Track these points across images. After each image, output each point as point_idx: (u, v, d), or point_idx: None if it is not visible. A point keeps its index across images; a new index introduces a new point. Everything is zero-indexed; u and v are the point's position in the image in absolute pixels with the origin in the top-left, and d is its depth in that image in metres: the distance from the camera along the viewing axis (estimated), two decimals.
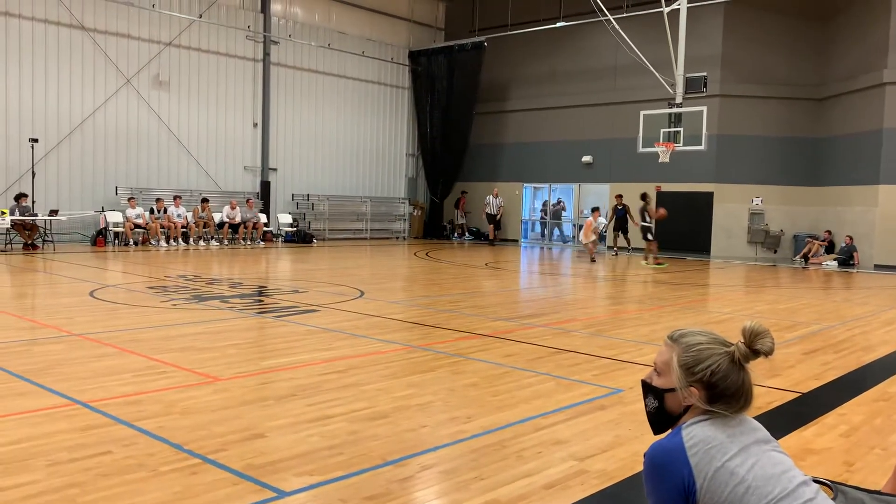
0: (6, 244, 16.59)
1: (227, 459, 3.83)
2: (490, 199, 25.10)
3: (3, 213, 16.32)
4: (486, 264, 17.43)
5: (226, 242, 20.42)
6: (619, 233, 21.25)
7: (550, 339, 7.66)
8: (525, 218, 26.83)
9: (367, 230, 25.54)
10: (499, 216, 25.27)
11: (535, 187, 26.98)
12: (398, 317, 8.87)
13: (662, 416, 1.95)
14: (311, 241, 22.23)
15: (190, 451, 3.93)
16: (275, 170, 23.04)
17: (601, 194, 25.18)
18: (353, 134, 25.15)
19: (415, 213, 27.10)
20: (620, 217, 20.68)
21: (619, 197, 20.77)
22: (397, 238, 26.28)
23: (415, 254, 19.79)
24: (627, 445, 4.30)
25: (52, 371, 5.62)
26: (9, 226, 16.44)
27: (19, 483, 3.43)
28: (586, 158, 24.34)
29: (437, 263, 17.29)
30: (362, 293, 10.91)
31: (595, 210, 19.99)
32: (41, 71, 18.22)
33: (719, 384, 1.84)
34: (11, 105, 17.78)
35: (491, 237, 25.09)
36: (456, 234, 26.93)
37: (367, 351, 6.77)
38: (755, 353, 1.82)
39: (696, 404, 1.92)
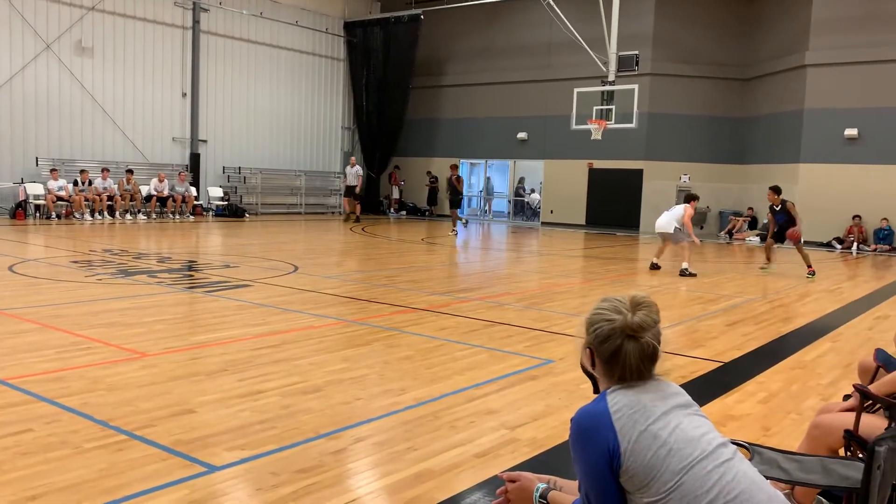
0: None
1: (154, 435, 3.75)
2: (348, 169, 22.45)
3: None
4: (422, 239, 17.44)
5: (153, 216, 19.83)
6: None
7: (484, 312, 7.74)
8: (462, 193, 26.89)
9: (301, 205, 25.17)
10: (358, 188, 22.35)
11: (471, 163, 27.05)
12: (333, 291, 8.81)
13: (593, 378, 2.00)
14: (242, 216, 21.79)
15: (116, 428, 3.83)
16: (205, 141, 22.42)
17: (535, 171, 25.48)
18: (287, 106, 24.65)
19: None
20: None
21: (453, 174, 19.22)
22: (332, 213, 26.01)
23: (350, 229, 19.63)
24: (557, 414, 4.40)
25: None
26: None
27: None
28: (521, 135, 24.53)
29: (373, 238, 17.21)
30: (296, 268, 10.78)
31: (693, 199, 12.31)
32: None
33: (597, 348, 1.90)
34: None
35: (347, 211, 22.60)
36: (391, 210, 26.82)
37: (300, 326, 6.71)
38: (638, 325, 1.85)
39: (585, 365, 1.97)
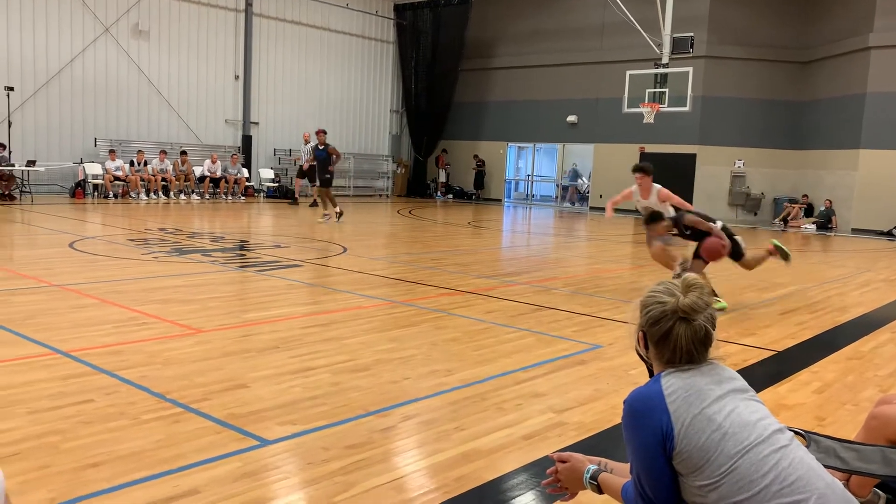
0: None
1: (209, 409, 3.85)
2: (303, 147, 19.94)
3: None
4: (468, 223, 17.44)
5: (206, 197, 20.23)
6: None
7: (531, 296, 7.71)
8: (509, 178, 26.79)
9: (349, 187, 25.38)
10: (305, 166, 19.02)
11: (519, 147, 26.89)
12: (381, 273, 8.88)
13: (647, 361, 1.99)
14: (293, 197, 22.07)
15: (172, 401, 3.95)
16: (256, 123, 22.74)
17: (584, 154, 25.19)
18: (336, 89, 24.81)
19: (398, 171, 26.95)
20: None
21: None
22: (380, 196, 26.17)
23: (398, 211, 19.73)
24: (605, 399, 4.37)
25: (32, 321, 5.58)
26: None
27: (1, 430, 3.43)
28: (571, 118, 24.25)
29: (420, 221, 17.27)
30: (345, 249, 10.89)
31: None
32: (16, 17, 17.73)
33: (649, 330, 1.88)
34: None
35: (298, 194, 20.20)
36: (438, 193, 26.86)
37: (349, 306, 6.79)
38: (689, 307, 1.83)
39: (638, 349, 1.96)
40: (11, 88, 17.06)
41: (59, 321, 5.64)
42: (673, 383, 1.82)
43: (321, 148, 15.42)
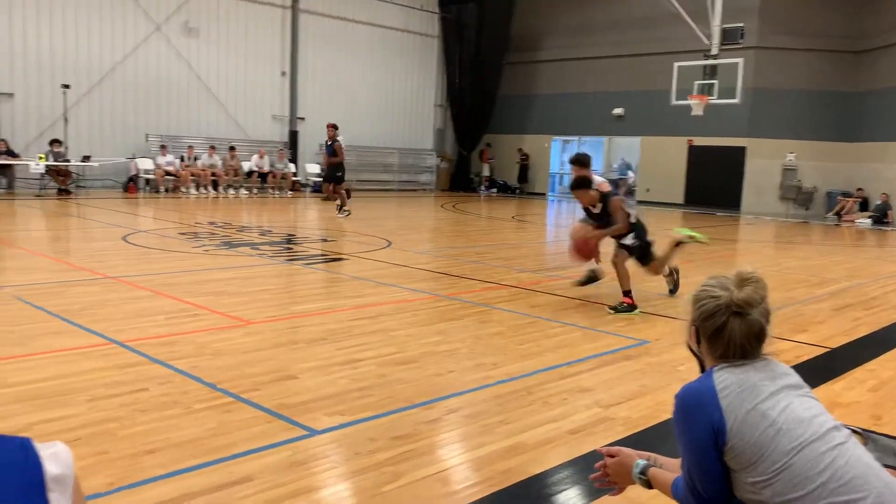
0: (41, 189, 16.85)
1: (259, 399, 3.93)
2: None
3: (41, 158, 16.54)
4: (512, 217, 17.39)
5: (254, 191, 20.55)
6: None
7: (577, 290, 7.66)
8: (553, 171, 26.61)
9: (394, 182, 25.51)
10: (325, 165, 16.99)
11: (564, 140, 26.68)
12: (425, 266, 8.92)
13: (698, 356, 1.97)
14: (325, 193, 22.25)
15: (223, 390, 4.04)
16: (303, 119, 23.00)
17: (630, 148, 24.87)
18: (381, 84, 24.94)
19: (442, 166, 26.98)
20: None
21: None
22: (424, 190, 26.24)
23: (441, 206, 19.78)
24: (652, 395, 4.33)
25: (88, 312, 5.75)
26: (43, 171, 16.68)
27: (62, 416, 3.56)
28: (617, 111, 23.97)
29: (464, 215, 17.28)
30: (389, 243, 10.97)
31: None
32: (72, 18, 18.23)
33: (702, 325, 1.86)
34: (44, 51, 17.86)
35: (326, 193, 17.16)
36: (482, 187, 26.81)
37: (394, 299, 6.84)
38: (745, 301, 1.80)
39: (690, 344, 1.93)
40: (68, 86, 17.55)
41: (114, 312, 5.80)
42: (725, 378, 1.79)
43: (329, 143, 14.96)
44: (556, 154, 26.72)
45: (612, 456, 2.14)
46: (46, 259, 8.41)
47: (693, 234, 7.46)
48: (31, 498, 0.82)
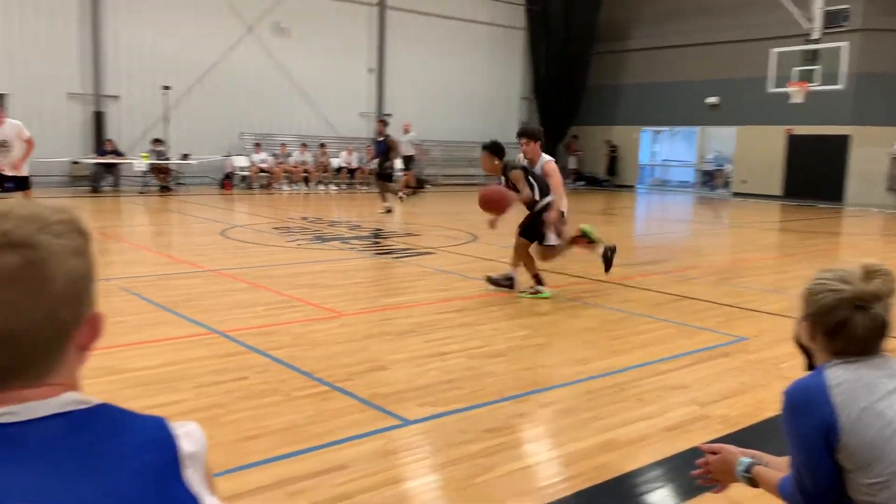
0: (144, 186, 17.74)
1: (354, 388, 4.02)
2: (402, 136, 18.93)
3: (144, 157, 17.43)
4: (601, 210, 17.11)
5: (343, 187, 20.99)
6: None
7: (670, 286, 7.48)
8: (643, 163, 26.02)
9: (479, 176, 25.51)
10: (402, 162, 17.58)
11: (654, 131, 26.04)
12: (509, 260, 8.87)
13: (807, 352, 1.88)
14: (423, 187, 22.48)
15: (319, 379, 4.15)
16: (390, 115, 23.28)
17: (724, 138, 24.03)
18: (466, 78, 24.97)
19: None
20: None
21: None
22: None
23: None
24: (752, 393, 4.18)
25: (191, 303, 6.03)
26: (146, 169, 17.56)
27: (172, 401, 3.74)
28: (711, 100, 23.18)
29: None
30: (475, 237, 10.98)
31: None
32: (171, 22, 19.07)
33: (820, 320, 1.76)
34: (146, 55, 18.76)
35: (405, 187, 17.75)
36: (569, 180, 26.46)
37: (481, 293, 6.85)
38: (872, 295, 1.70)
39: (802, 340, 1.85)
40: (168, 88, 18.38)
41: (215, 303, 6.05)
42: (839, 375, 1.71)
43: (380, 139, 14.62)
44: (647, 145, 26.11)
45: (714, 453, 2.08)
46: (150, 253, 8.85)
47: (587, 229, 7.10)
48: (169, 474, 0.87)
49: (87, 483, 0.82)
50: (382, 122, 14.79)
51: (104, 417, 0.88)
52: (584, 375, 4.42)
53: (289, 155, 20.23)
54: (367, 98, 22.98)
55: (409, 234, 11.15)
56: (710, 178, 25.15)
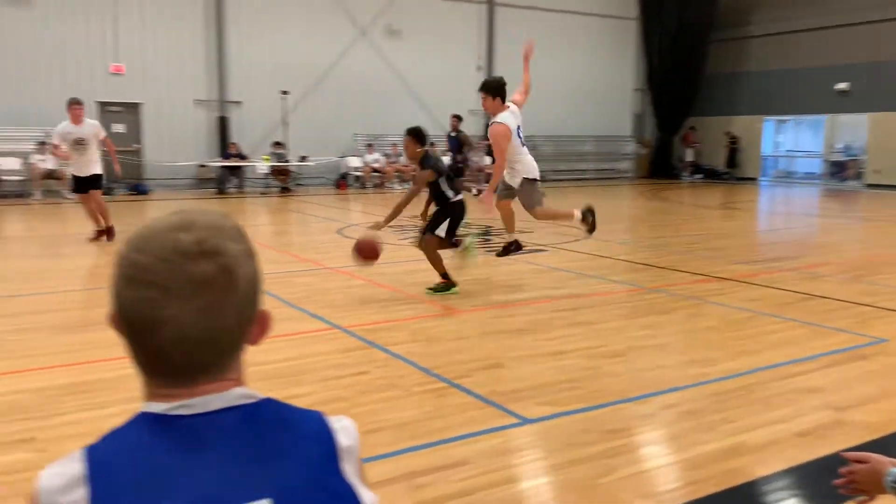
0: (265, 188, 18.55)
1: (471, 385, 4.04)
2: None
3: (266, 159, 18.23)
4: (721, 204, 16.44)
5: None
6: None
7: (798, 283, 7.08)
8: (766, 154, 24.78)
9: (590, 170, 25.10)
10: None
11: (778, 120, 24.74)
12: (627, 258, 8.70)
13: None
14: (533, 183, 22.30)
15: (437, 375, 4.20)
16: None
17: (857, 126, 22.52)
18: (576, 71, 24.59)
19: (641, 152, 26.11)
20: None
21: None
22: (622, 178, 25.55)
23: (641, 194, 19.16)
24: (894, 398, 3.90)
25: (312, 299, 6.24)
26: (268, 171, 18.36)
27: (297, 394, 3.89)
28: (841, 86, 21.77)
29: (667, 203, 16.62)
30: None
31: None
32: (289, 29, 19.83)
33: None
34: (266, 62, 19.59)
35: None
36: (685, 173, 25.58)
37: (597, 291, 6.74)
38: None
39: None
40: (287, 93, 19.13)
41: (335, 300, 6.25)
42: None
43: (453, 135, 14.05)
44: (769, 136, 24.84)
45: (860, 462, 1.95)
46: (273, 251, 9.24)
47: (469, 246, 6.85)
48: (329, 467, 0.91)
49: (256, 473, 0.87)
50: (456, 118, 14.53)
51: (270, 411, 0.93)
52: (709, 377, 4.26)
53: (400, 154, 20.59)
54: (475, 96, 22.98)
55: (520, 232, 11.09)
56: (840, 169, 23.61)
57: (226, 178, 18.68)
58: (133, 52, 17.84)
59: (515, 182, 6.60)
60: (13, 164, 15.78)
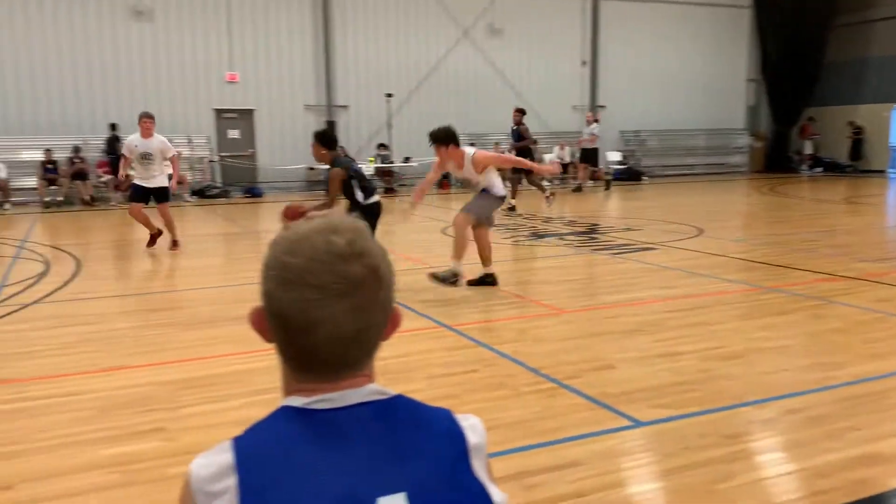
0: None
1: (581, 386, 3.98)
2: (585, 129, 18.81)
3: (371, 161, 18.66)
4: (844, 199, 15.50)
5: (556, 182, 20.92)
6: None
7: None
8: (894, 144, 23.15)
9: (700, 165, 24.23)
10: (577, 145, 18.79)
11: None
12: (742, 256, 8.33)
13: None
14: (640, 179, 21.79)
15: (546, 376, 4.16)
16: (603, 107, 22.86)
17: None
18: (684, 64, 23.78)
19: (755, 145, 24.96)
20: None
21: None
22: (735, 172, 24.51)
23: (756, 189, 18.32)
24: None
25: (418, 297, 6.32)
26: (373, 173, 18.77)
27: (408, 391, 3.89)
28: None
29: (784, 199, 15.82)
30: (700, 231, 10.44)
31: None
32: (393, 34, 20.20)
33: None
34: (371, 66, 20.05)
35: (581, 179, 18.65)
36: (804, 166, 24.26)
37: (710, 290, 6.49)
38: None
39: None
40: (391, 95, 19.49)
41: (441, 298, 6.29)
42: None
43: (515, 129, 13.97)
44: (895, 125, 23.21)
45: None
46: None
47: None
48: (460, 464, 0.93)
49: (392, 468, 0.89)
50: (519, 112, 14.26)
51: (401, 407, 0.95)
52: (837, 381, 4.02)
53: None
54: (579, 91, 22.73)
55: (628, 230, 10.86)
56: None
57: None
58: (246, 61, 18.67)
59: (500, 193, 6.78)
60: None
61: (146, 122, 9.01)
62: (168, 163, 9.38)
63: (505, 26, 21.37)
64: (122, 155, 9.40)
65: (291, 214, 6.49)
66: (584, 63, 22.53)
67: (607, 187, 18.62)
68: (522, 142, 14.35)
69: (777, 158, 24.71)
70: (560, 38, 22.12)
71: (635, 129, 23.31)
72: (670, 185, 20.04)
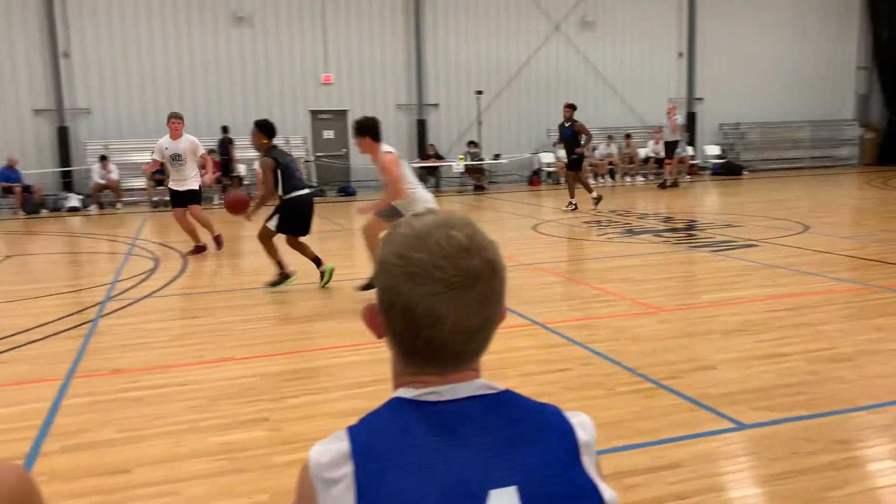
0: (461, 186, 19.05)
1: (680, 386, 3.88)
2: (665, 121, 17.97)
3: (461, 159, 18.74)
4: None
5: (650, 178, 20.44)
6: None
7: None
8: None
9: (805, 158, 23.10)
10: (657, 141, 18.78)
11: None
12: (852, 253, 7.90)
13: None
14: (740, 173, 20.99)
15: (643, 376, 4.08)
16: (700, 100, 22.15)
17: None
18: (788, 52, 22.72)
19: (866, 136, 23.58)
20: None
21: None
22: (844, 166, 23.26)
23: (868, 182, 17.32)
24: None
25: (511, 294, 6.26)
26: (462, 170, 18.85)
27: None
28: None
29: None
30: (806, 227, 9.96)
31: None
32: (483, 30, 20.20)
33: None
34: (461, 64, 20.12)
35: (668, 175, 17.82)
36: None
37: (818, 289, 6.19)
38: None
39: None
40: (480, 92, 19.50)
41: (534, 296, 6.26)
42: None
43: (567, 125, 13.40)
44: None
45: None
46: None
47: (327, 270, 6.79)
48: (571, 460, 0.93)
49: (503, 461, 0.90)
50: (569, 108, 13.67)
51: (510, 402, 0.96)
52: None
53: (594, 149, 20.23)
54: (676, 83, 22.09)
55: (727, 226, 10.48)
56: None
57: (425, 179, 19.42)
58: (340, 63, 19.11)
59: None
60: (242, 170, 17.46)
61: (175, 122, 8.88)
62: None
63: (597, 19, 21.02)
64: (153, 159, 9.30)
65: (234, 202, 7.25)
66: (680, 54, 21.88)
67: (663, 185, 17.65)
68: (582, 146, 13.53)
69: (890, 150, 23.24)
70: (655, 29, 21.57)
71: (735, 121, 22.46)
72: (773, 180, 19.22)
